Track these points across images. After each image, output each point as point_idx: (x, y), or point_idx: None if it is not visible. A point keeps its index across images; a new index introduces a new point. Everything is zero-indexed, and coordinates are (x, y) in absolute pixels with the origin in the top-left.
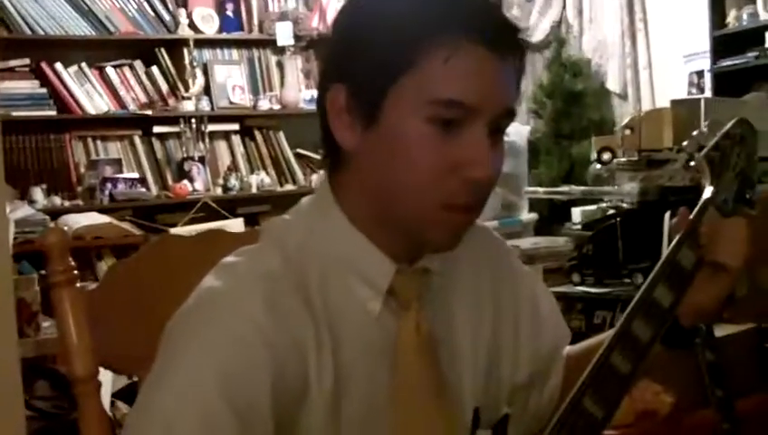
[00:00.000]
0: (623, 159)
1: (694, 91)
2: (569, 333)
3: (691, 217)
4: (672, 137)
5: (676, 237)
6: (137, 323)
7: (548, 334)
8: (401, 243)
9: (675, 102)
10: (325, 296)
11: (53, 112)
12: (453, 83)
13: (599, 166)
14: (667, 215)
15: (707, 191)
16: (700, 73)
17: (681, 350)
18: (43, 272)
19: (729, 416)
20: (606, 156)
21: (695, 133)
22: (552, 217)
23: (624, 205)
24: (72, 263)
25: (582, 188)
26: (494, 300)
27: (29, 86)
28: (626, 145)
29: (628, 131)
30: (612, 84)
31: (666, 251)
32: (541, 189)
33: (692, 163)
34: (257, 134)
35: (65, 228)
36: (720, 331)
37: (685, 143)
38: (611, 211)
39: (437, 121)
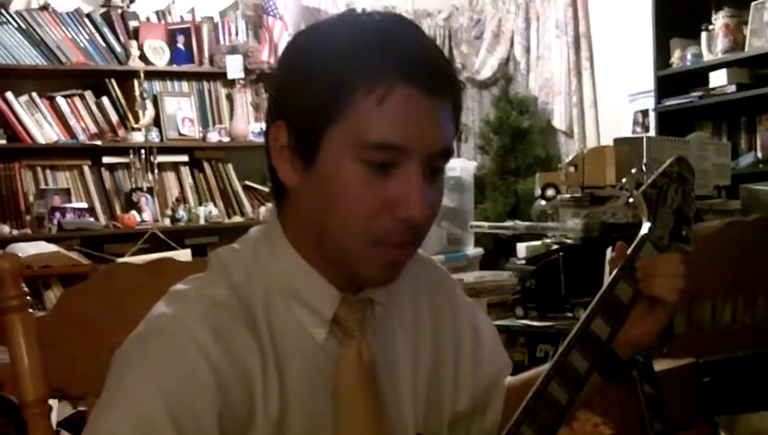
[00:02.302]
0: (567, 196)
1: (638, 129)
2: (510, 363)
3: (628, 252)
4: (615, 174)
5: (614, 272)
6: (86, 349)
7: (489, 364)
8: (343, 275)
9: (618, 141)
10: (271, 324)
11: (3, 141)
12: (385, 126)
13: (543, 202)
14: (609, 250)
15: (644, 227)
16: (645, 112)
17: (619, 382)
18: None
19: None
20: (550, 192)
21: (633, 171)
22: (497, 251)
23: (568, 241)
24: (25, 289)
25: (527, 223)
26: (434, 329)
27: None
28: (569, 182)
29: (571, 168)
30: (558, 122)
31: (604, 285)
32: (485, 224)
33: (630, 200)
34: (206, 166)
35: None
36: (659, 365)
37: (624, 180)
38: (555, 247)
39: (371, 163)
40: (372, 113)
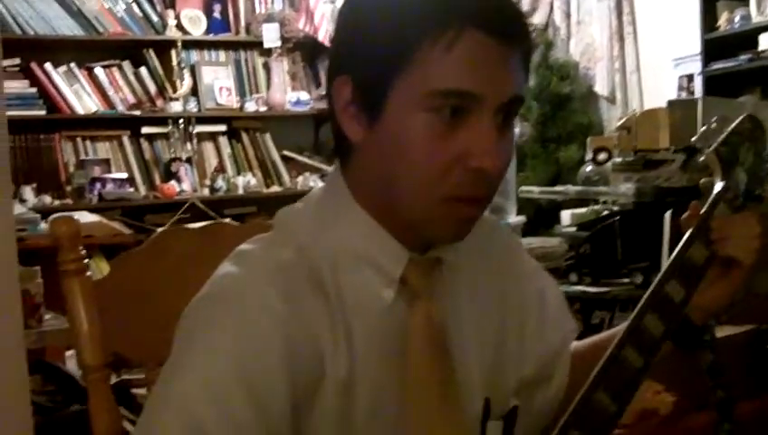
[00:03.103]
0: (619, 160)
1: (683, 94)
2: (575, 328)
3: (701, 212)
4: (668, 137)
5: (687, 233)
6: (143, 314)
7: (555, 329)
8: (412, 233)
9: (671, 103)
10: (338, 285)
11: (43, 112)
12: (456, 73)
13: (589, 168)
14: (668, 215)
15: (717, 186)
16: (690, 77)
17: (690, 348)
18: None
19: (730, 417)
20: (602, 156)
21: (703, 129)
22: (537, 220)
23: (614, 207)
24: (83, 252)
25: (578, 187)
26: (500, 294)
27: (19, 86)
28: (621, 145)
29: (624, 132)
30: (600, 88)
31: (677, 247)
32: (536, 189)
33: (702, 158)
34: (244, 136)
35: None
36: (719, 332)
37: (694, 138)
38: (605, 213)
39: (441, 112)
40: (441, 60)
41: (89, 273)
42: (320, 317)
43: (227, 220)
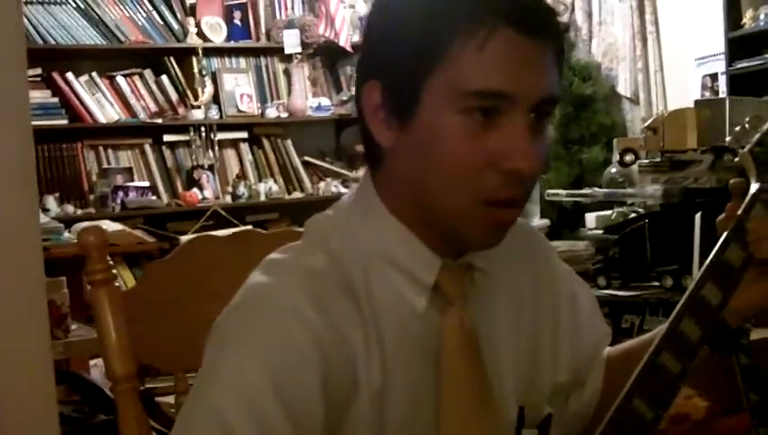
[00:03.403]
0: (645, 161)
1: (707, 94)
2: (609, 332)
3: (738, 213)
4: (696, 138)
5: (723, 235)
6: (173, 323)
7: (588, 334)
8: (444, 239)
9: (698, 103)
10: (370, 293)
11: (65, 122)
12: (488, 71)
13: (614, 169)
14: (698, 216)
15: (753, 187)
16: (714, 76)
17: (726, 352)
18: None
19: (765, 421)
20: (628, 157)
21: (737, 129)
22: (561, 223)
23: (639, 209)
24: (111, 262)
25: (605, 190)
26: (534, 298)
27: (41, 96)
28: (648, 146)
29: (650, 133)
30: (623, 88)
31: (714, 249)
32: (563, 192)
33: (736, 159)
34: (265, 142)
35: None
36: (752, 335)
37: (728, 139)
38: (632, 215)
39: (474, 113)
40: (473, 59)
41: (117, 283)
42: (352, 325)
43: (249, 227)
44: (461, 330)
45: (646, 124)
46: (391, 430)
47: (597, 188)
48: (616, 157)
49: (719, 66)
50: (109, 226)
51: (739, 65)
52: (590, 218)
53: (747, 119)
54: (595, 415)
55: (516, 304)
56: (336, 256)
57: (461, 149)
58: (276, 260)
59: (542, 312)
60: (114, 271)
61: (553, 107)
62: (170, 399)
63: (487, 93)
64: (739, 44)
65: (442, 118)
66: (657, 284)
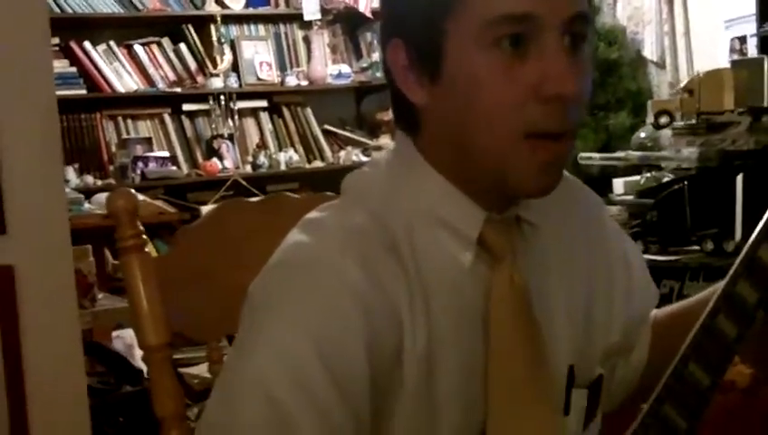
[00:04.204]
0: (680, 123)
1: (736, 57)
2: (658, 294)
3: None
4: (733, 99)
5: None
6: (204, 291)
7: (640, 296)
8: (490, 191)
9: (735, 63)
10: (414, 251)
11: (84, 91)
12: None
13: (643, 134)
14: (740, 178)
15: None
16: (742, 39)
17: None
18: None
19: None
20: (663, 119)
21: None
22: None
23: (669, 175)
24: (141, 227)
25: (639, 153)
26: (587, 255)
27: (59, 66)
28: (684, 108)
29: (686, 94)
30: (649, 52)
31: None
32: (596, 155)
33: None
34: (285, 111)
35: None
36: None
37: None
38: (665, 179)
39: (504, 43)
40: None
41: (147, 249)
42: (397, 285)
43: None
44: (511, 286)
45: (681, 85)
46: (440, 394)
47: (631, 152)
48: (650, 119)
49: (749, 28)
50: None
51: None
52: (618, 184)
53: None
54: (641, 382)
55: (569, 260)
56: (377, 214)
57: (497, 86)
58: (316, 219)
59: (596, 269)
60: (144, 236)
61: (586, 27)
62: (192, 370)
63: (513, 18)
64: None
65: (471, 57)
66: (697, 248)
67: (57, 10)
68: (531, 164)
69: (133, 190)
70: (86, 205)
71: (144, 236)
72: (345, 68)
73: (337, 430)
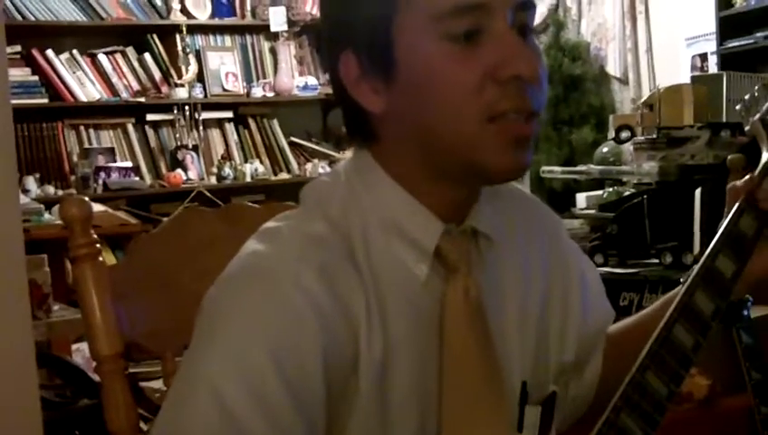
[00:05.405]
0: (641, 138)
1: (697, 74)
2: (613, 314)
3: (750, 181)
4: (692, 114)
5: (736, 204)
6: (162, 301)
7: (595, 313)
8: (450, 197)
9: (695, 78)
10: (371, 261)
11: (45, 100)
12: None
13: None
14: (698, 192)
15: (765, 156)
16: (703, 56)
17: (727, 324)
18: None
19: (767, 400)
20: (624, 134)
21: (746, 97)
22: (551, 204)
23: (632, 189)
24: (95, 236)
25: (601, 167)
26: (544, 273)
27: (20, 74)
28: (645, 123)
29: (646, 109)
30: (612, 69)
31: (725, 220)
32: (558, 169)
33: (747, 128)
34: (251, 122)
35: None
36: (754, 312)
37: (738, 107)
38: (627, 193)
39: (454, 38)
40: None
41: (101, 258)
42: (354, 294)
43: (242, 202)
44: (465, 299)
45: (642, 100)
46: (394, 403)
47: (592, 166)
48: (611, 134)
49: (709, 46)
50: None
51: (730, 45)
52: (581, 199)
53: (756, 87)
54: (596, 398)
55: (525, 276)
56: (336, 223)
57: (454, 74)
58: (274, 228)
59: (551, 287)
60: (98, 245)
61: (532, 13)
62: (154, 384)
63: (461, 9)
64: (730, 24)
65: (425, 52)
66: (656, 261)
67: (18, 17)
68: (497, 144)
69: (89, 199)
70: (46, 215)
71: (98, 245)
72: (312, 80)
73: None
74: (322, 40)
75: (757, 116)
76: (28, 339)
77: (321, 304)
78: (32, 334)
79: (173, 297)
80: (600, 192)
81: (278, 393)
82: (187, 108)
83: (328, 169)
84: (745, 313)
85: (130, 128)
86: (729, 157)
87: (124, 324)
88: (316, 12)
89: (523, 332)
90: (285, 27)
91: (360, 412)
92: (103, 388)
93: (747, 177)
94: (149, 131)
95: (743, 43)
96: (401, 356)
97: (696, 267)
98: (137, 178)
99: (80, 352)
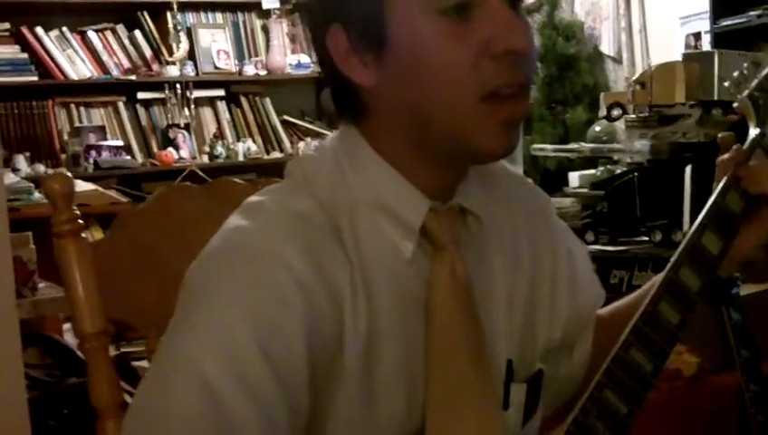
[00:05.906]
0: (632, 116)
1: (689, 52)
2: (603, 294)
3: (735, 156)
4: (684, 92)
5: (723, 181)
6: (146, 278)
7: (585, 293)
8: (437, 175)
9: (687, 56)
10: (356, 238)
11: (35, 78)
12: None
13: (598, 128)
14: (688, 170)
15: (752, 133)
16: (697, 35)
17: (716, 304)
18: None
19: (755, 378)
20: (616, 112)
21: (735, 74)
22: (544, 183)
23: (623, 168)
24: (77, 212)
25: (592, 145)
26: (532, 252)
27: (9, 51)
28: (636, 101)
29: (638, 87)
30: (606, 48)
31: (712, 196)
32: (549, 147)
33: (735, 105)
34: (243, 101)
35: None
36: (743, 290)
37: (726, 83)
38: (618, 171)
39: (448, 11)
40: None
41: (85, 234)
42: (339, 271)
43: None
44: (452, 277)
45: (634, 78)
46: (380, 383)
47: (584, 144)
48: (603, 112)
49: (703, 25)
50: (81, 185)
51: (723, 23)
52: (574, 178)
53: (745, 65)
54: (586, 378)
55: (513, 254)
56: (322, 199)
57: (447, 49)
58: (258, 202)
59: (539, 266)
60: (81, 221)
61: None
62: (146, 364)
63: None
64: (723, 3)
65: (417, 27)
66: (646, 238)
67: None
68: (489, 125)
69: (81, 181)
70: (36, 194)
71: (81, 221)
72: (304, 58)
73: (273, 418)
74: (310, 13)
75: (745, 93)
76: (12, 316)
77: (305, 280)
78: (16, 312)
79: (158, 274)
80: (592, 171)
81: (260, 370)
82: (178, 86)
83: None
84: (734, 291)
85: (121, 106)
86: (720, 135)
87: (111, 301)
88: None
89: (511, 310)
90: (277, 5)
91: (345, 391)
92: (88, 365)
93: (734, 148)
94: (140, 110)
95: (736, 21)
96: (387, 334)
97: (682, 244)
98: (128, 157)
99: (71, 332)
